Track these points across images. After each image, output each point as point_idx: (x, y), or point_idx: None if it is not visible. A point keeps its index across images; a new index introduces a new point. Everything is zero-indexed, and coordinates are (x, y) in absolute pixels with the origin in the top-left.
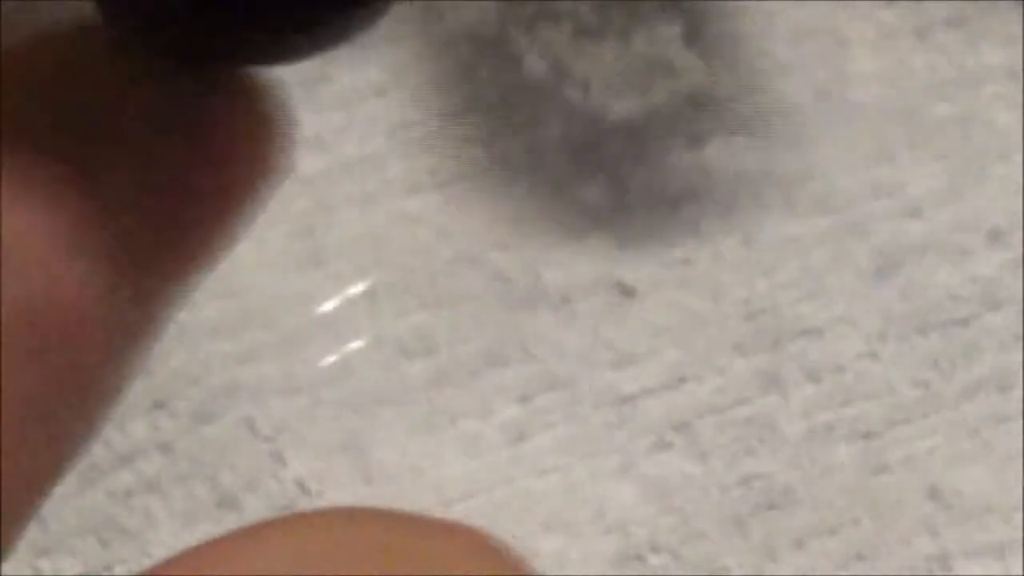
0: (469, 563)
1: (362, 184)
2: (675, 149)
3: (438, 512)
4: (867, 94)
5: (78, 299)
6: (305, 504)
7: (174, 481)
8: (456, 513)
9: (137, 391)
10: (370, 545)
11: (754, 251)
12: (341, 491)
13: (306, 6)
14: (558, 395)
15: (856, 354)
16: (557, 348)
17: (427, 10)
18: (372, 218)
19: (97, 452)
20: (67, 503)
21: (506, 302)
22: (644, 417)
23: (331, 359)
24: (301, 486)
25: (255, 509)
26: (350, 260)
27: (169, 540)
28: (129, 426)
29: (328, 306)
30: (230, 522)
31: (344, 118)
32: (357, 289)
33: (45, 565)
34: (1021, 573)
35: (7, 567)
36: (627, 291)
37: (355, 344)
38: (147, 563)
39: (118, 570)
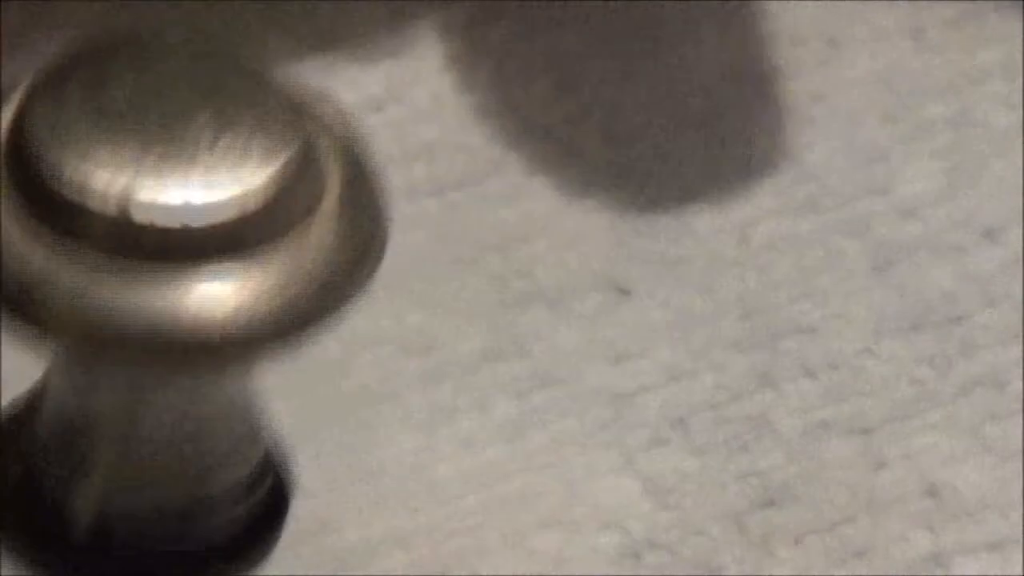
0: None
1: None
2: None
3: (435, 509)
4: (862, 96)
5: None
6: (301, 500)
7: None
8: (453, 510)
9: None
10: None
11: (750, 250)
12: (337, 488)
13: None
14: (555, 392)
15: (852, 351)
16: (553, 346)
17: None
18: None
19: None
20: None
21: (502, 302)
22: (640, 414)
23: (326, 357)
24: (297, 483)
25: None
26: None
27: None
28: None
29: None
30: None
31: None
32: None
33: None
34: (1020, 571)
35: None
36: (623, 291)
37: (351, 343)
38: None
39: None
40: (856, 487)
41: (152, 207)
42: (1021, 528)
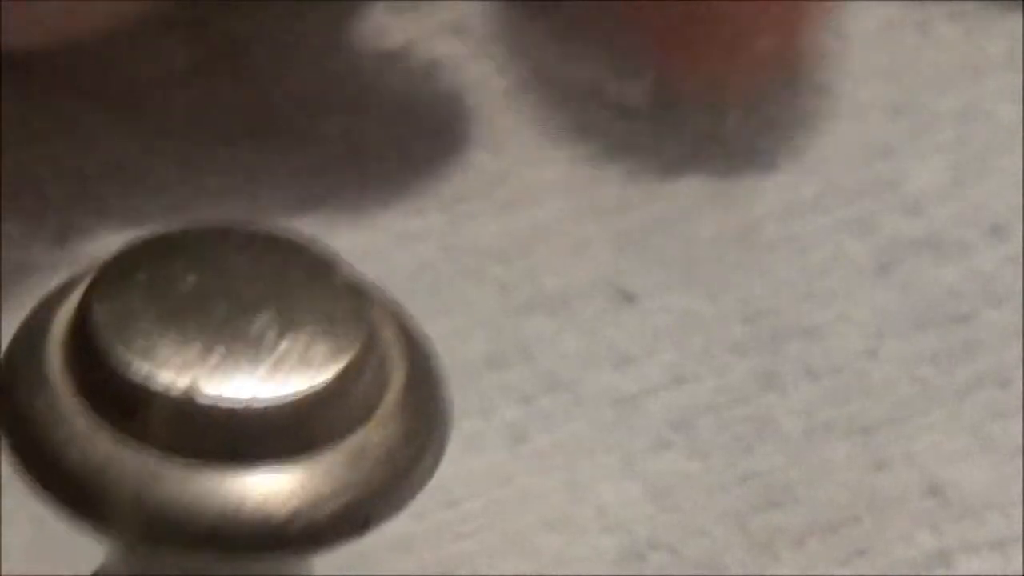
0: None
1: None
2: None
3: (438, 512)
4: (867, 90)
5: None
6: None
7: None
8: (457, 512)
9: None
10: None
11: (753, 252)
12: None
13: None
14: (558, 396)
15: (855, 352)
16: (557, 351)
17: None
18: (374, 237)
19: None
20: None
21: (505, 308)
22: (644, 416)
23: None
24: None
25: None
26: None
27: None
28: None
29: None
30: None
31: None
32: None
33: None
34: (1023, 570)
35: (6, 566)
36: (626, 295)
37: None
38: None
39: None
40: (858, 487)
41: (214, 406)
42: (1022, 527)
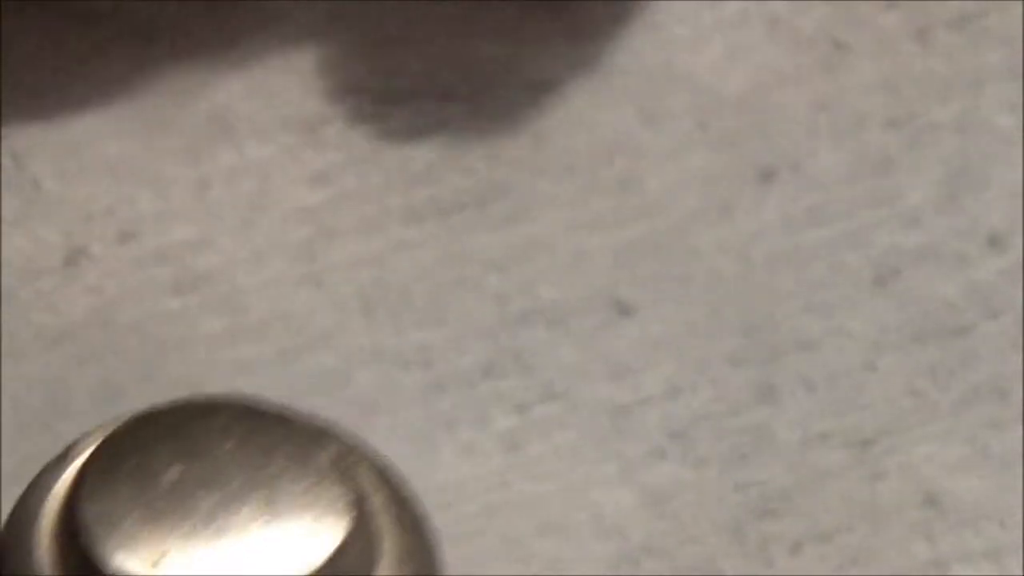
0: None
1: (363, 214)
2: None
3: (435, 515)
4: (865, 101)
5: None
6: None
7: None
8: (452, 517)
9: (135, 396)
10: None
11: (751, 265)
12: None
13: None
14: (554, 406)
15: (852, 364)
16: (554, 361)
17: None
18: (373, 245)
19: None
20: None
21: (503, 319)
22: (640, 426)
23: (328, 371)
24: None
25: None
26: (350, 282)
27: None
28: None
29: (326, 323)
30: None
31: (346, 155)
32: (355, 308)
33: None
34: None
35: None
36: (624, 308)
37: (352, 357)
38: None
39: None
40: (854, 497)
41: None
42: (1020, 535)
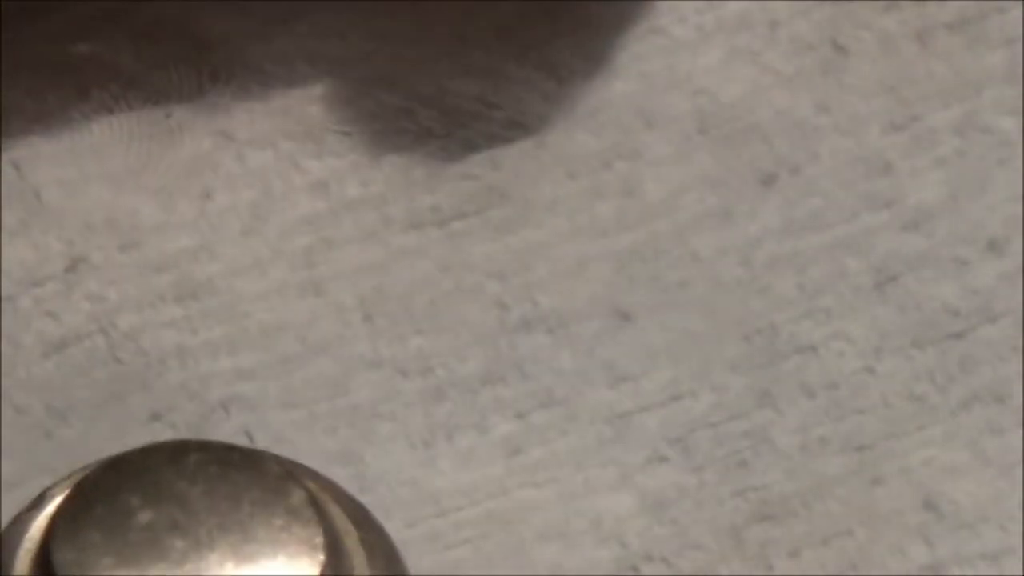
0: None
1: (363, 222)
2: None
3: (434, 520)
4: (867, 104)
5: None
6: None
7: None
8: (452, 523)
9: (135, 405)
10: None
11: (752, 270)
12: None
13: None
14: (554, 412)
15: (852, 369)
16: (554, 368)
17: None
18: (373, 253)
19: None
20: None
21: (503, 326)
22: (640, 432)
23: (329, 378)
24: None
25: None
26: (350, 290)
27: None
28: (127, 437)
29: (327, 330)
30: None
31: (346, 163)
32: (356, 315)
33: None
34: None
35: None
36: (624, 315)
37: (353, 365)
38: None
39: None
40: (853, 501)
41: None
42: (1020, 539)
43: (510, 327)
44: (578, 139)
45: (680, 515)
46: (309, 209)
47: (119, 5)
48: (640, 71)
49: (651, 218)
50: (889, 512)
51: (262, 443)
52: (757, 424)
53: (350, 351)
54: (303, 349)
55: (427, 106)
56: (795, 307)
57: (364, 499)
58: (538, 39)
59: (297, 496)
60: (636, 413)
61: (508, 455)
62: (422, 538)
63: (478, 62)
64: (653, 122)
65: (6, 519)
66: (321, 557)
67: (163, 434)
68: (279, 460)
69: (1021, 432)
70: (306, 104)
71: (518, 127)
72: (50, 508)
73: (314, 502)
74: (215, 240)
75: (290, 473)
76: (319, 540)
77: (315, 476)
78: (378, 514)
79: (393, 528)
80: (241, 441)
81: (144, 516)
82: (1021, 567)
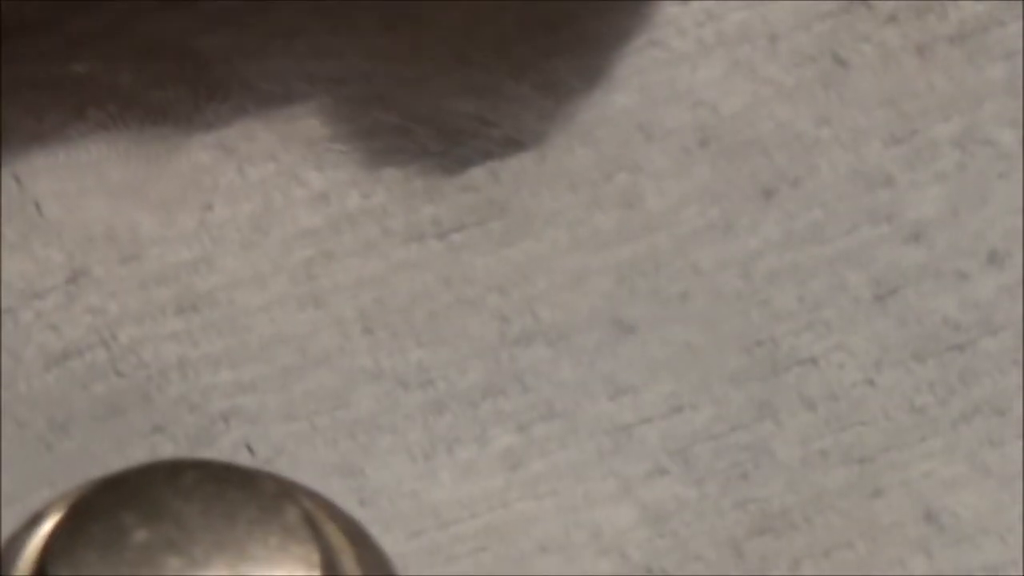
0: None
1: (364, 234)
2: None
3: (435, 533)
4: (867, 117)
5: None
6: None
7: None
8: (453, 535)
9: (136, 417)
10: None
11: (752, 283)
12: None
13: None
14: (555, 424)
15: (853, 382)
16: (554, 380)
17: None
18: (373, 265)
19: (97, 475)
20: None
21: (503, 338)
22: (640, 444)
23: (329, 391)
24: None
25: None
26: (351, 302)
27: None
28: (128, 450)
29: (327, 343)
30: None
31: (346, 175)
32: (357, 328)
33: None
34: None
35: None
36: (624, 327)
37: (354, 377)
38: None
39: None
40: (854, 514)
41: None
42: (1021, 551)
43: (510, 339)
44: (578, 152)
45: (681, 527)
46: (309, 222)
47: (117, 24)
48: (640, 84)
49: (651, 231)
50: (890, 524)
51: (262, 455)
52: (758, 436)
53: (350, 363)
54: (304, 361)
55: (424, 124)
56: (796, 320)
57: (364, 512)
58: (536, 56)
59: (293, 514)
60: (637, 425)
61: (509, 468)
62: (422, 551)
63: (475, 80)
64: (653, 135)
65: (6, 532)
66: (317, 574)
67: (164, 446)
68: (275, 478)
69: (1021, 445)
70: (306, 118)
71: (515, 145)
72: (46, 527)
73: (310, 520)
74: (216, 253)
75: (286, 491)
76: (315, 558)
77: (312, 494)
78: (378, 527)
79: (393, 541)
80: (242, 453)
81: (140, 535)
82: None
